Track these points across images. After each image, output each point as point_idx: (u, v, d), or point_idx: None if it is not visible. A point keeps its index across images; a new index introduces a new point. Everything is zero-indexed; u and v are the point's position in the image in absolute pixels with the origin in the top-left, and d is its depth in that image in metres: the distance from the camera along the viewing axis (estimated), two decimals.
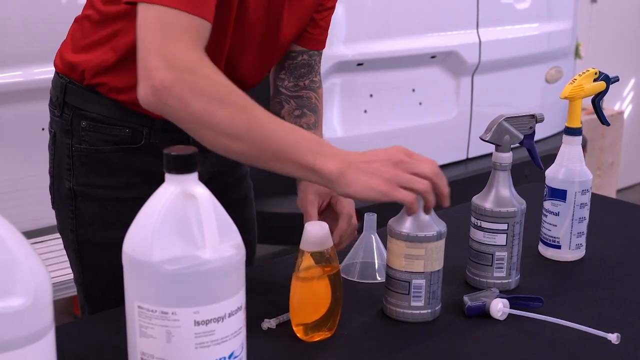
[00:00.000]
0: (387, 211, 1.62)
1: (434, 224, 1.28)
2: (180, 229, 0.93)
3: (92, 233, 1.50)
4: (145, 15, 1.20)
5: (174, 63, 1.16)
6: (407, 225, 1.27)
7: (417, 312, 1.30)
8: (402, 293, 1.30)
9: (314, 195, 1.43)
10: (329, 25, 1.62)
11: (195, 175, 0.95)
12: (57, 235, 2.80)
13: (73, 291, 2.53)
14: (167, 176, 0.95)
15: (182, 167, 0.94)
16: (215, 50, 1.36)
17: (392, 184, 1.15)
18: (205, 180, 1.57)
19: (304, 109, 1.57)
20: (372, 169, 1.16)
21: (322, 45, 1.62)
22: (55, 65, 1.54)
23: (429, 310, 1.31)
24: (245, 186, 1.72)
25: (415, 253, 1.27)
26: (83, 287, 1.57)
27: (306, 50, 1.60)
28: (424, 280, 1.29)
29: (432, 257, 1.28)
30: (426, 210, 1.25)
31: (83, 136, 1.47)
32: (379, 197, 1.15)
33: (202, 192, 0.94)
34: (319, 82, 1.63)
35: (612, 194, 4.81)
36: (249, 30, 1.44)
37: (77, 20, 1.51)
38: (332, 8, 1.60)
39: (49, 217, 2.77)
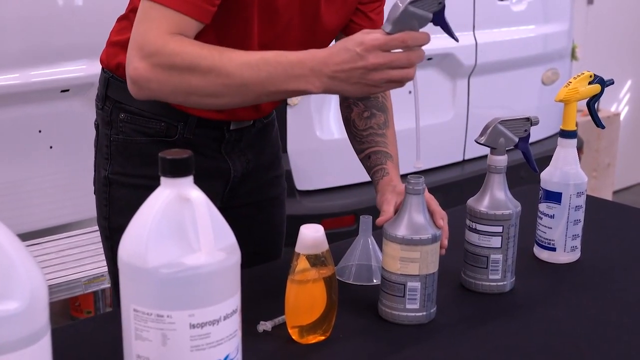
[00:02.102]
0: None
1: (429, 227, 1.28)
2: (176, 233, 0.93)
3: (123, 220, 1.53)
4: (140, 9, 1.31)
5: (145, 51, 1.27)
6: (402, 228, 1.28)
7: (413, 314, 1.31)
8: (397, 295, 1.30)
9: (392, 194, 1.43)
10: (383, 18, 1.60)
11: (190, 178, 0.95)
12: (54, 237, 2.83)
13: (70, 293, 2.54)
14: (163, 180, 0.95)
15: (177, 170, 0.94)
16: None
17: (381, 86, 1.26)
18: (240, 176, 1.59)
19: (372, 109, 1.59)
20: (355, 78, 1.24)
21: None
22: (100, 60, 1.58)
23: (424, 313, 1.31)
24: (278, 187, 1.74)
25: (411, 256, 1.28)
26: (115, 276, 1.59)
27: None
28: (419, 283, 1.29)
29: (428, 260, 1.28)
30: None
31: (121, 127, 1.53)
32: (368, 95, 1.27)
33: (197, 196, 0.94)
34: None
35: (609, 196, 4.82)
36: (285, 31, 1.45)
37: (125, 17, 1.53)
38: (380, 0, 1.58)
39: (46, 220, 2.80)
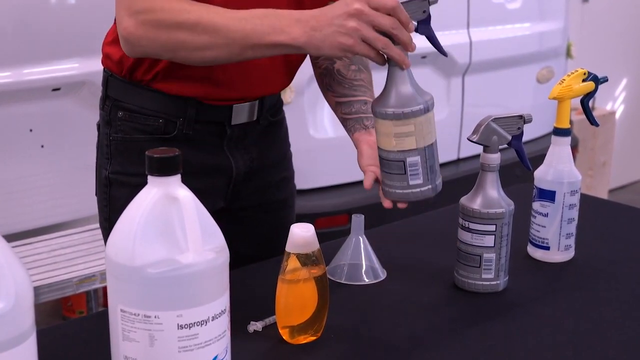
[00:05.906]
0: (374, 213, 1.62)
1: (419, 97, 1.23)
2: (163, 232, 0.92)
3: None
4: None
5: (132, 9, 1.31)
6: (391, 103, 1.22)
7: (418, 190, 1.26)
8: (398, 174, 1.25)
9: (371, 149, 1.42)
10: None
11: (178, 177, 0.94)
12: (45, 237, 2.82)
13: (61, 293, 2.52)
14: (150, 178, 0.94)
15: (164, 169, 0.93)
16: None
17: (355, 38, 1.20)
18: (243, 174, 1.57)
19: (360, 65, 1.56)
20: (335, 25, 1.21)
21: None
22: (101, 62, 1.59)
23: (430, 186, 1.26)
24: (286, 190, 1.72)
25: (405, 130, 1.22)
26: None
27: None
28: (419, 157, 1.24)
29: (423, 132, 1.22)
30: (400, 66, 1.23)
31: (119, 126, 1.53)
32: (345, 54, 1.22)
33: (185, 195, 0.93)
34: None
35: (604, 194, 4.82)
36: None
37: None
38: None
39: (37, 220, 2.79)
